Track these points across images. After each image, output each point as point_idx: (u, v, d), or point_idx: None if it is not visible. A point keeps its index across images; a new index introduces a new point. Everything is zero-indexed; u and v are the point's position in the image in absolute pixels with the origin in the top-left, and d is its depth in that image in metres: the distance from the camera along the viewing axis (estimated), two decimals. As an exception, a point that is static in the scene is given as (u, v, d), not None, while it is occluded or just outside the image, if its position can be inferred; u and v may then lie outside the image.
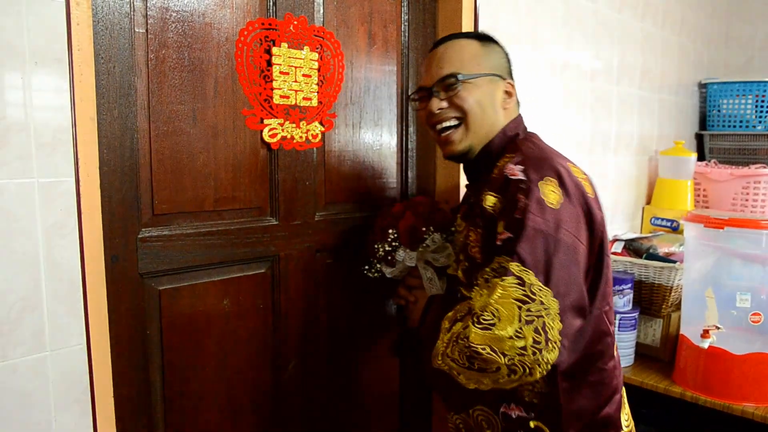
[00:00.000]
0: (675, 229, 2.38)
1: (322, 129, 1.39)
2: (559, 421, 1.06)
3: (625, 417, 1.16)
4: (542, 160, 1.04)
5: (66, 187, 0.96)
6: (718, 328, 1.72)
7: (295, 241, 1.37)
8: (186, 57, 1.16)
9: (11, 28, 0.89)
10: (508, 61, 1.22)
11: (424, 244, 1.26)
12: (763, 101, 2.64)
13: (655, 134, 2.60)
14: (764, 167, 2.43)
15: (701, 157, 2.84)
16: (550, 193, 0.99)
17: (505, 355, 0.91)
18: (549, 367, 0.93)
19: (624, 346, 1.95)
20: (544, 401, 1.06)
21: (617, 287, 1.88)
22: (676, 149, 2.49)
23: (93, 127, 1.00)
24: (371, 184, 1.54)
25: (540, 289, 0.93)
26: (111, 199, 1.07)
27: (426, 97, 1.19)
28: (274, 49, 1.27)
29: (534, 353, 0.91)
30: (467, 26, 1.60)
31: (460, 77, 1.13)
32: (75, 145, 0.97)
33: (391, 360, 1.64)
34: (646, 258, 2.03)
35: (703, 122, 2.95)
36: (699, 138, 2.93)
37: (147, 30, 1.10)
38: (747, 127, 2.71)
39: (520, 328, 0.91)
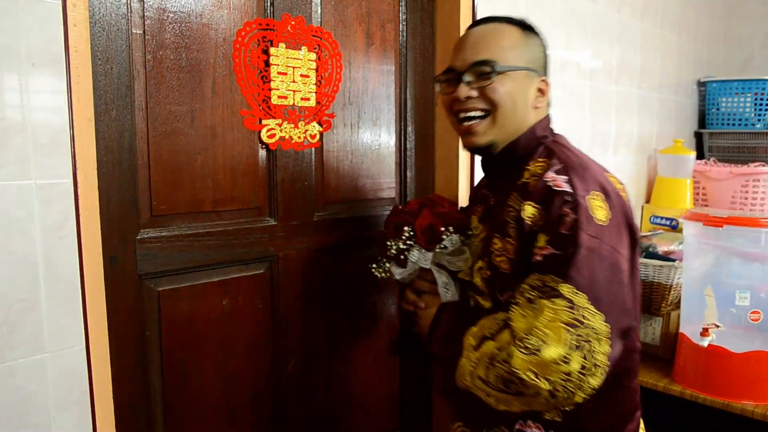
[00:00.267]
0: (674, 227, 2.38)
1: (321, 129, 1.39)
2: None
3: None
4: (585, 171, 0.98)
5: (64, 188, 0.96)
6: (717, 326, 1.72)
7: (294, 242, 1.37)
8: (183, 58, 1.16)
9: (8, 29, 0.89)
10: (546, 56, 1.12)
11: (441, 245, 1.15)
12: (762, 99, 2.64)
13: (655, 133, 2.60)
14: (763, 165, 2.42)
15: (700, 156, 2.84)
16: (597, 208, 0.93)
17: (549, 381, 0.87)
18: (592, 392, 0.88)
19: (624, 345, 1.95)
20: (566, 420, 1.00)
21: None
22: (675, 148, 2.49)
23: (90, 128, 1.00)
24: (370, 184, 1.54)
25: (593, 314, 0.88)
26: (109, 200, 1.07)
27: (453, 80, 1.07)
28: (272, 50, 1.27)
29: (579, 379, 0.87)
30: (466, 26, 1.59)
31: (497, 68, 1.02)
32: (73, 147, 0.97)
33: (391, 360, 1.64)
34: (645, 256, 2.03)
35: (703, 121, 2.94)
36: (698, 136, 2.93)
37: (144, 31, 1.10)
38: (746, 125, 2.71)
39: (569, 353, 0.86)
